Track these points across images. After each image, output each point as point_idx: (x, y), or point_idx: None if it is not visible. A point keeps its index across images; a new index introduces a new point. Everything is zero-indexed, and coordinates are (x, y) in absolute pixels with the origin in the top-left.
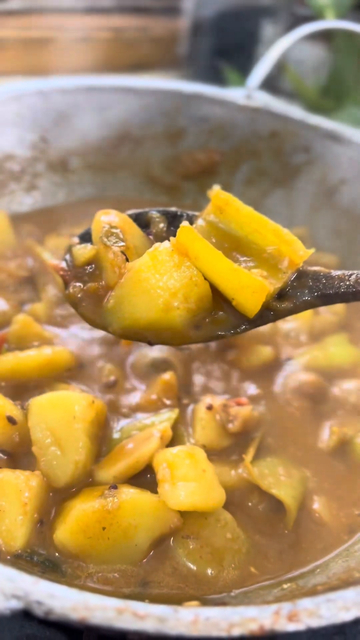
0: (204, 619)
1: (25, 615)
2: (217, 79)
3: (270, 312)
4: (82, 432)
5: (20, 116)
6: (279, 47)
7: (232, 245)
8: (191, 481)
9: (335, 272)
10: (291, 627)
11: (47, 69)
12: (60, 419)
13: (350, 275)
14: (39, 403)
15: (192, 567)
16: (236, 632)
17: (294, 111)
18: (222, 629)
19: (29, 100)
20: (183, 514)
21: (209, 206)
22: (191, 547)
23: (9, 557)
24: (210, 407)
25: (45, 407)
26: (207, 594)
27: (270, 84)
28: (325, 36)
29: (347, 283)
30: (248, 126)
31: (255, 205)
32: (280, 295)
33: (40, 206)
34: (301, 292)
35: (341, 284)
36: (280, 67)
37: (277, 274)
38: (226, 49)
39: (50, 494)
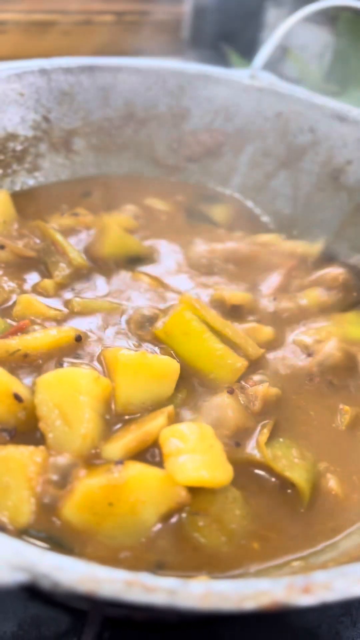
0: (215, 592)
1: (31, 594)
2: (221, 63)
3: None
4: (88, 406)
5: (22, 95)
6: (284, 26)
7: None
8: (198, 455)
9: None
10: (305, 600)
11: (48, 53)
12: (66, 394)
13: None
14: (45, 380)
15: (202, 543)
16: (248, 605)
17: (299, 91)
18: (233, 602)
19: (32, 79)
20: (191, 490)
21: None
22: (200, 523)
23: (16, 534)
24: (232, 392)
25: (51, 384)
26: (215, 572)
27: (275, 69)
28: (329, 20)
29: None
30: (253, 107)
31: (260, 187)
32: None
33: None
34: None
35: None
36: (284, 52)
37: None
38: (229, 33)
39: None
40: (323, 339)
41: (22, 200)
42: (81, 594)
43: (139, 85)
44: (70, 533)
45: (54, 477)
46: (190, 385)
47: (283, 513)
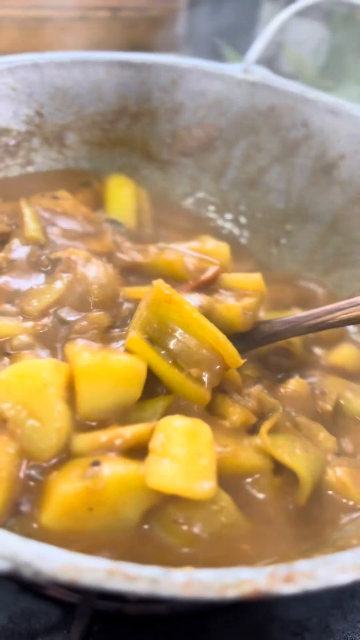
0: (197, 581)
1: (21, 587)
2: (216, 59)
3: None
4: (57, 397)
5: (15, 90)
6: (277, 20)
7: (169, 335)
8: (178, 463)
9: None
10: (287, 589)
11: (44, 49)
12: (30, 389)
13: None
14: (5, 380)
15: (183, 553)
16: (230, 594)
17: (292, 85)
18: (215, 590)
19: (24, 73)
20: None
21: (150, 296)
22: (182, 530)
23: None
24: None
25: (10, 383)
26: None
27: (270, 65)
28: (325, 16)
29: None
30: (246, 101)
31: (254, 182)
32: None
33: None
34: None
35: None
36: (279, 47)
37: (213, 376)
38: (225, 29)
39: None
40: None
41: (18, 183)
42: (63, 582)
43: (132, 80)
44: (51, 540)
45: (28, 473)
46: None
47: (275, 515)
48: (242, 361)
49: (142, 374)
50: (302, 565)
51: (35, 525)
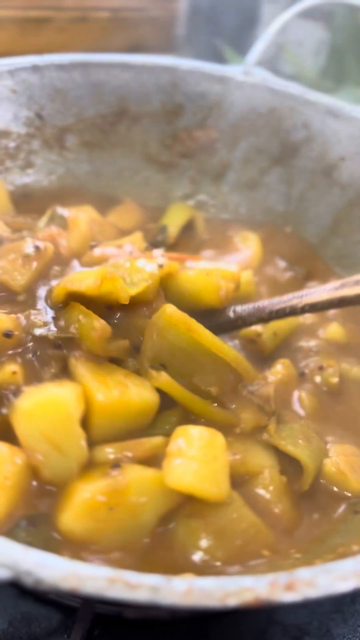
0: (198, 589)
1: (21, 592)
2: (216, 60)
3: None
4: (79, 427)
5: (14, 92)
6: (278, 22)
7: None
8: (196, 463)
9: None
10: (288, 597)
11: (44, 50)
12: (55, 422)
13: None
14: (26, 410)
15: (195, 547)
16: (231, 602)
17: (293, 87)
18: (216, 598)
19: (24, 75)
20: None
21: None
22: (194, 526)
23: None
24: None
25: (32, 413)
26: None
27: (270, 66)
28: (325, 17)
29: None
30: (246, 103)
31: (254, 184)
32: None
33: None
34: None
35: None
36: (279, 49)
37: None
38: (225, 30)
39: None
40: None
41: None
42: (64, 591)
43: (132, 82)
44: (69, 543)
45: (35, 484)
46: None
47: (282, 511)
48: (257, 376)
49: (156, 406)
50: (302, 573)
51: (52, 534)
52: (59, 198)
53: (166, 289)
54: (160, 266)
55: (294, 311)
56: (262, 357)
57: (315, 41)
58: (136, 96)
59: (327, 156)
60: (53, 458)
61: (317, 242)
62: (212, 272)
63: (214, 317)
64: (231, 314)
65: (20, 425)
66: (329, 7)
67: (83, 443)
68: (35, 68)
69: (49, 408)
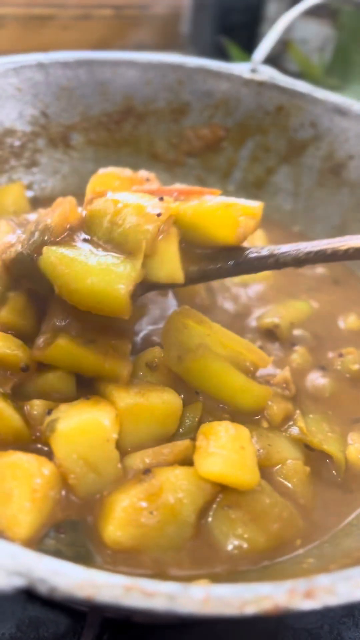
0: (216, 597)
1: (29, 595)
2: (221, 57)
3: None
4: (115, 449)
5: (20, 90)
6: (284, 20)
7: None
8: (225, 452)
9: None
10: (307, 605)
11: (47, 48)
12: (93, 444)
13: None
14: (65, 432)
15: (237, 535)
16: (249, 610)
17: (301, 85)
18: (234, 607)
19: (29, 73)
20: (222, 485)
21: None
22: (233, 516)
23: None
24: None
25: (71, 436)
26: (252, 564)
27: (275, 63)
28: (331, 14)
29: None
30: (253, 101)
31: (261, 183)
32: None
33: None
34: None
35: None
36: (285, 46)
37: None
38: (230, 27)
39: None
40: None
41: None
42: (80, 599)
43: (137, 80)
44: (118, 554)
45: (63, 494)
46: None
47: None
48: (270, 359)
49: (179, 409)
50: (322, 580)
51: (82, 540)
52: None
53: (177, 222)
54: (159, 215)
55: (335, 254)
56: (281, 345)
57: (321, 39)
58: (142, 94)
59: (335, 155)
60: (89, 478)
61: None
62: (232, 205)
63: (230, 256)
64: (264, 252)
65: (59, 446)
66: (334, 4)
67: (119, 465)
68: (40, 66)
69: (87, 431)
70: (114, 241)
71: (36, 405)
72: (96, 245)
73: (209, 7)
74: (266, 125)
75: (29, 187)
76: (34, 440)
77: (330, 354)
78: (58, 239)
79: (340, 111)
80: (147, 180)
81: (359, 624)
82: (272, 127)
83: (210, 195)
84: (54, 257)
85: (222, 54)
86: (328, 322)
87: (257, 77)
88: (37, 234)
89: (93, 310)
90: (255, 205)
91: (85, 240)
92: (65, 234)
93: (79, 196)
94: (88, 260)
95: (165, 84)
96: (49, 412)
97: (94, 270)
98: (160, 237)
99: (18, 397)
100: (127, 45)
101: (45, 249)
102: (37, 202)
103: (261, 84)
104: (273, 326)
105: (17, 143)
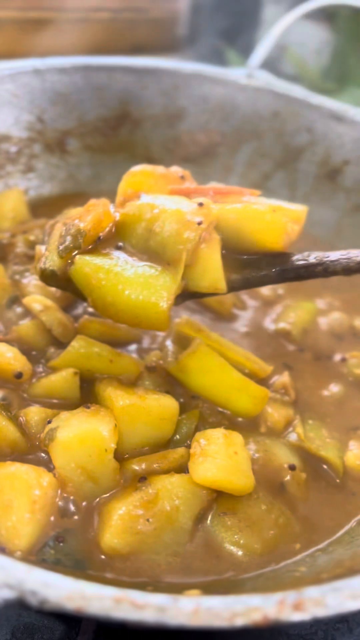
0: (205, 609)
1: (21, 605)
2: (218, 61)
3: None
4: (113, 459)
5: (16, 96)
6: (281, 24)
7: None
8: (219, 459)
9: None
10: (296, 616)
11: (44, 51)
12: (91, 454)
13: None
14: (65, 442)
15: (232, 542)
16: (239, 622)
17: (296, 90)
18: (224, 618)
19: (25, 79)
20: (217, 491)
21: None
22: (229, 523)
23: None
24: None
25: (70, 445)
26: (247, 571)
27: (272, 67)
28: (328, 17)
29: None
30: (249, 106)
31: (257, 188)
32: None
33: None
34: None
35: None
36: (282, 49)
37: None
38: (227, 30)
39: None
40: None
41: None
42: (69, 611)
43: (134, 85)
44: (114, 560)
45: (60, 504)
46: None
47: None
48: (270, 369)
49: (176, 413)
50: (311, 592)
51: (81, 548)
52: (62, 202)
53: (219, 227)
54: (200, 223)
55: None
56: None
57: (318, 42)
58: (138, 99)
59: (330, 160)
60: (87, 486)
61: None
62: (278, 209)
63: (275, 263)
64: (312, 260)
65: (58, 455)
66: (331, 8)
67: (117, 476)
68: (36, 72)
69: (86, 441)
70: (150, 250)
71: (32, 413)
72: (130, 253)
73: (206, 10)
74: (262, 130)
75: (25, 192)
76: (31, 448)
77: (336, 358)
78: (90, 247)
79: (336, 117)
80: (182, 177)
81: (353, 630)
82: (268, 133)
83: (251, 196)
84: (88, 268)
85: (219, 58)
86: (333, 327)
87: (253, 82)
88: (68, 239)
89: (129, 324)
90: (300, 209)
91: (118, 247)
92: (98, 240)
93: (77, 200)
94: (125, 272)
95: (161, 89)
96: (49, 421)
97: (131, 283)
98: (203, 245)
99: (22, 401)
100: (125, 48)
101: (78, 258)
102: (34, 208)
103: (257, 90)
104: (285, 333)
105: (13, 149)
